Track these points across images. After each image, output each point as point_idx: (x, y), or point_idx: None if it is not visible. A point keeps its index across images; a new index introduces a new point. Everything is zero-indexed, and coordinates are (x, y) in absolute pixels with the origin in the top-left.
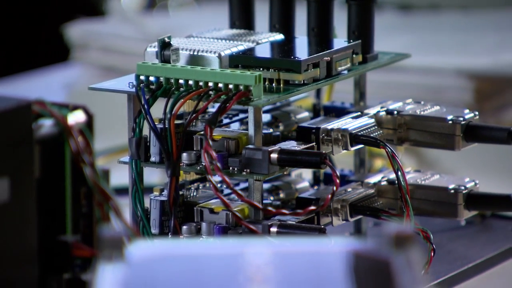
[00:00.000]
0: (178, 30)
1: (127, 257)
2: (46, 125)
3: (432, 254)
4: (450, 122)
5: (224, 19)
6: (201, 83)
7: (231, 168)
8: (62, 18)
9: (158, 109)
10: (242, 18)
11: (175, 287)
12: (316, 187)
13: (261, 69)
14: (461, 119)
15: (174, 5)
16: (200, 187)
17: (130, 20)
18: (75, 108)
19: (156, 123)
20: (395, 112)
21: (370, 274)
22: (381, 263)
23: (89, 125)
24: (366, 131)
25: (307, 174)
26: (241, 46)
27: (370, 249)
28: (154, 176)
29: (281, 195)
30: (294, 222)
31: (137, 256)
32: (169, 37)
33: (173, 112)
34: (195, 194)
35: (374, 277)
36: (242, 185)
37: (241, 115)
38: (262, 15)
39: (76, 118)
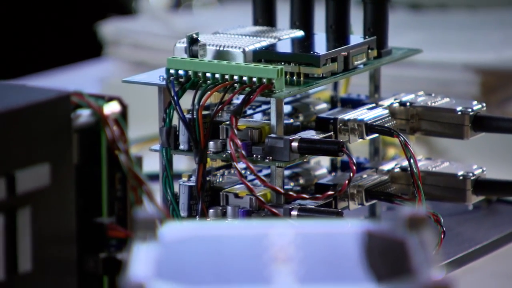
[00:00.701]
0: (203, 28)
1: (159, 237)
2: (84, 115)
3: (442, 236)
4: (459, 113)
5: (244, 18)
6: (226, 77)
7: (254, 155)
8: (96, 16)
9: (186, 101)
10: (265, 16)
11: (204, 265)
12: (333, 174)
13: (282, 63)
14: (470, 110)
15: (198, 4)
16: (226, 174)
17: (159, 18)
18: (110, 99)
19: (184, 114)
20: (408, 104)
21: (386, 253)
22: (396, 243)
23: (123, 115)
24: (381, 121)
25: (325, 161)
26: (264, 42)
27: (385, 230)
28: (182, 163)
29: (301, 181)
30: (313, 206)
31: (169, 236)
32: (197, 34)
33: (200, 103)
34: (221, 180)
35: (390, 256)
36: (265, 172)
37: (264, 106)
38: (283, 13)
39: (111, 108)
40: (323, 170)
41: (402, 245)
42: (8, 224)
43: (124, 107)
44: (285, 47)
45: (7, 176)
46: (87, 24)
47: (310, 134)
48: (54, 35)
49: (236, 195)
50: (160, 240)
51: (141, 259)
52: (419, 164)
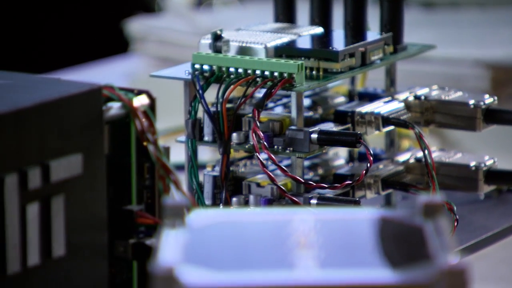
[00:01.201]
0: (224, 25)
1: (187, 223)
2: (115, 107)
3: (456, 224)
4: (472, 106)
5: (263, 17)
6: (249, 71)
7: (275, 146)
8: (122, 15)
9: (211, 94)
10: (285, 13)
11: (230, 250)
12: (351, 164)
13: (302, 58)
14: (482, 103)
15: (218, 3)
16: (248, 164)
17: (182, 16)
18: (139, 92)
19: (209, 107)
20: (422, 97)
21: (403, 239)
22: (413, 230)
23: (151, 108)
24: (396, 114)
25: (343, 152)
26: (285, 38)
27: (402, 217)
28: (207, 153)
29: (320, 171)
30: (331, 195)
31: (196, 222)
32: (220, 30)
33: (224, 97)
34: (243, 170)
35: (407, 242)
36: (285, 162)
37: (285, 100)
38: (303, 10)
39: (140, 101)
40: (341, 161)
41: (419, 231)
42: (43, 211)
43: (152, 100)
44: (305, 43)
45: (42, 165)
46: (114, 22)
47: (329, 126)
48: (83, 32)
49: (258, 185)
50: (187, 227)
51: (169, 244)
52: (433, 155)
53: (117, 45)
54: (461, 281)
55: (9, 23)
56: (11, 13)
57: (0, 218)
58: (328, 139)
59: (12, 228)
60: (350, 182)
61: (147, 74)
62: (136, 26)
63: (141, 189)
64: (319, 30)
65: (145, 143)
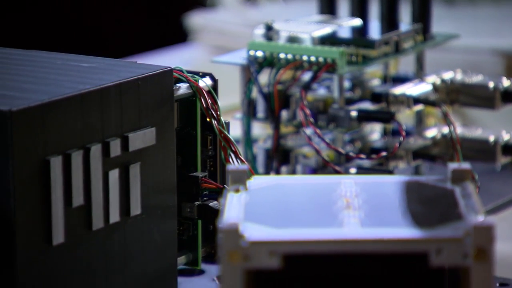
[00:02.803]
0: (270, 18)
1: (247, 187)
2: (183, 87)
3: (477, 190)
4: (491, 88)
5: (302, 11)
6: (297, 57)
7: (320, 122)
8: (182, 9)
9: (263, 77)
10: (328, 6)
11: (285, 210)
12: (385, 139)
13: (343, 46)
14: (500, 85)
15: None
16: (295, 138)
17: (235, 10)
18: (204, 75)
19: (262, 88)
20: (448, 80)
21: (437, 201)
22: (445, 192)
23: (214, 88)
24: (425, 95)
25: (378, 128)
26: (328, 28)
27: (434, 182)
28: (260, 129)
29: (358, 145)
30: (368, 166)
31: (255, 186)
32: (272, 21)
33: (275, 79)
34: (291, 143)
35: (440, 203)
36: (328, 136)
37: (328, 82)
38: (344, 4)
39: (205, 82)
40: (376, 136)
41: (450, 194)
42: (122, 177)
43: (215, 81)
44: (345, 32)
45: (121, 137)
46: (174, 16)
47: (366, 105)
48: (147, 25)
49: (304, 156)
50: (248, 190)
51: (233, 205)
52: (457, 131)
53: (178, 36)
54: (487, 236)
55: (85, 18)
56: (82, 8)
57: (86, 182)
58: (365, 116)
59: (96, 191)
60: (385, 153)
61: (205, 61)
62: (196, 19)
63: (205, 159)
64: (357, 21)
65: (208, 119)
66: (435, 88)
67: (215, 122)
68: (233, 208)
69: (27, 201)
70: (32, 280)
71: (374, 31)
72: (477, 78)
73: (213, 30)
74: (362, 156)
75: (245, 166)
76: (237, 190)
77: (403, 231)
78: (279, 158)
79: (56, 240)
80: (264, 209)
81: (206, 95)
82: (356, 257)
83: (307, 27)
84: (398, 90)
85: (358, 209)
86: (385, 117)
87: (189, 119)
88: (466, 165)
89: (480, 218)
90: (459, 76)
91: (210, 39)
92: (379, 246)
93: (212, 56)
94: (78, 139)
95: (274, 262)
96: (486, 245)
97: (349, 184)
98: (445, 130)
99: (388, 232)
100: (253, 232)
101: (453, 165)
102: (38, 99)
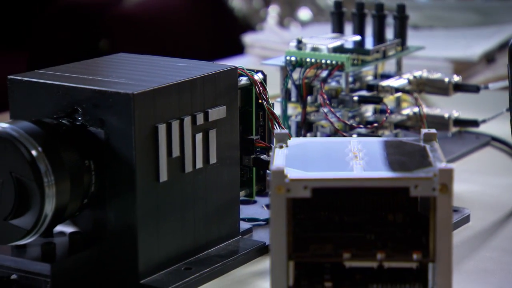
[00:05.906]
0: (299, 36)
1: (288, 144)
2: (243, 79)
3: None
4: (447, 81)
5: (323, 31)
6: (318, 60)
7: (333, 104)
8: (240, 31)
9: (295, 74)
10: (338, 27)
11: (314, 159)
12: (375, 115)
13: (349, 53)
14: (452, 80)
15: (292, 26)
16: (316, 114)
17: (274, 32)
18: (258, 71)
19: (295, 81)
20: (418, 76)
21: (414, 154)
22: (420, 147)
23: (264, 80)
24: (402, 86)
25: (371, 108)
26: (338, 41)
27: (412, 141)
28: (293, 108)
29: (358, 119)
30: (365, 132)
31: (293, 144)
32: (301, 37)
33: (303, 75)
34: (313, 118)
35: (416, 155)
36: (338, 113)
37: (338, 77)
38: (349, 26)
39: (258, 76)
40: (369, 113)
41: (423, 149)
42: (204, 138)
43: (265, 76)
44: (350, 44)
45: (204, 112)
46: (235, 35)
47: (364, 92)
48: (217, 40)
49: (322, 126)
50: (288, 146)
51: (279, 156)
52: (424, 110)
53: (237, 50)
54: (449, 176)
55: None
56: (155, 23)
57: (181, 142)
58: (363, 100)
59: (187, 147)
60: (376, 125)
61: (255, 65)
62: (248, 38)
63: (257, 127)
64: (358, 37)
65: (260, 100)
66: (409, 81)
67: (265, 102)
68: (279, 158)
69: (144, 153)
70: (146, 205)
71: (369, 44)
72: (436, 75)
73: (259, 46)
74: (361, 126)
75: (286, 131)
76: (281, 147)
77: (392, 173)
78: (306, 128)
79: (162, 179)
80: (299, 159)
81: (259, 84)
82: (361, 190)
83: (324, 41)
84: (385, 82)
85: (361, 159)
86: (376, 100)
87: (248, 101)
88: (433, 130)
89: (444, 164)
90: (425, 74)
91: (257, 52)
92: (376, 182)
93: (259, 63)
94: (176, 113)
95: (307, 193)
96: (448, 182)
97: (354, 143)
98: (416, 109)
99: (382, 174)
100: (292, 173)
101: (424, 130)
102: (150, 86)
